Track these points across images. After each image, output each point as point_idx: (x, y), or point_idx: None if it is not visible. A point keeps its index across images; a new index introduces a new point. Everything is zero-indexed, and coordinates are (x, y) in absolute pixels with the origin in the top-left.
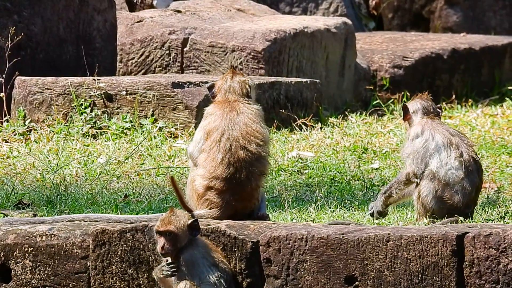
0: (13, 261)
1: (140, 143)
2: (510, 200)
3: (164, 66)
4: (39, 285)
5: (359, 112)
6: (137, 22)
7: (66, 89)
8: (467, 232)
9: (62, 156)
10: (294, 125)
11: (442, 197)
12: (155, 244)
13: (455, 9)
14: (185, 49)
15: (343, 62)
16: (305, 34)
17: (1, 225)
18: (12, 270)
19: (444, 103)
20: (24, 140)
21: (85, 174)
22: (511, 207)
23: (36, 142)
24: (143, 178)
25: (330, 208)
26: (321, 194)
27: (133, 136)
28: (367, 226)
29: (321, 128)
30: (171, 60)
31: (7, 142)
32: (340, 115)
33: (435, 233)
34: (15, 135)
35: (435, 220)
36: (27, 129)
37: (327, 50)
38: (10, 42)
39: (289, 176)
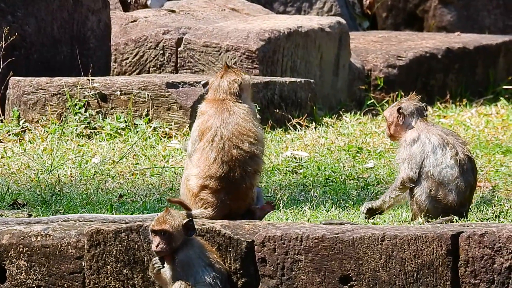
0: (8, 262)
1: (135, 143)
2: (504, 199)
3: (158, 66)
4: (34, 285)
5: (353, 112)
6: (131, 22)
7: (60, 89)
8: (462, 232)
9: (57, 156)
10: (288, 125)
11: (437, 196)
12: (150, 244)
13: (449, 9)
14: (179, 49)
15: (337, 61)
16: (299, 33)
17: None
18: (7, 271)
19: (438, 102)
20: (18, 141)
21: (79, 174)
22: (505, 206)
23: (31, 143)
24: (138, 178)
25: (325, 207)
26: (315, 194)
27: (128, 136)
28: (362, 225)
29: (315, 127)
30: (165, 60)
31: (2, 142)
32: (334, 115)
33: (430, 232)
34: (9, 135)
35: (430, 219)
36: (21, 130)
37: (321, 49)
38: (4, 42)
39: (283, 175)
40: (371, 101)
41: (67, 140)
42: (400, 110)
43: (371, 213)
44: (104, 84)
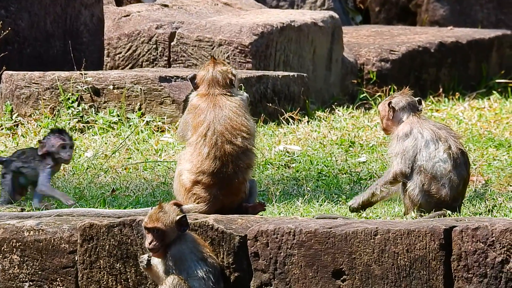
0: (0, 256)
1: (127, 137)
2: (497, 193)
3: (151, 60)
4: (26, 279)
5: (346, 106)
6: (124, 16)
7: (53, 83)
8: (455, 226)
9: None
10: (281, 119)
11: (429, 190)
12: (142, 238)
13: (442, 3)
14: (172, 43)
15: (330, 56)
16: (292, 28)
17: None
18: (0, 265)
19: (431, 96)
20: (11, 135)
21: (72, 168)
22: (498, 200)
23: (24, 137)
24: (131, 172)
25: (317, 202)
26: (308, 188)
27: (120, 130)
28: (354, 220)
29: (308, 122)
30: (158, 54)
31: None
32: (327, 109)
33: (423, 227)
34: (2, 129)
35: (422, 214)
36: (14, 124)
37: (314, 44)
38: None
39: (276, 170)
40: (364, 95)
41: None
42: (391, 105)
43: (362, 207)
44: (97, 78)
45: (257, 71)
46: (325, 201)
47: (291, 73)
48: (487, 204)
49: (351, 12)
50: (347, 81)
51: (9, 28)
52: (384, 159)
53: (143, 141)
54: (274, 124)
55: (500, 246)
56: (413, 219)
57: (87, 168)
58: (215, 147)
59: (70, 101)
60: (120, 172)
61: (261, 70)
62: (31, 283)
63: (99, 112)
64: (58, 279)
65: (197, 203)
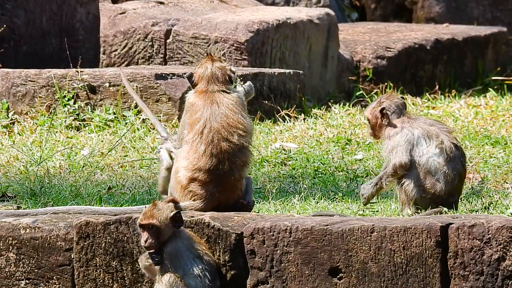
0: None
1: (123, 135)
2: (494, 190)
3: (147, 57)
4: (23, 277)
5: (342, 103)
6: (120, 13)
7: (49, 81)
8: (451, 223)
9: (46, 148)
10: (277, 116)
11: (424, 185)
12: (139, 236)
13: (437, 0)
14: (168, 41)
15: (326, 53)
16: (288, 25)
17: None
18: None
19: (427, 93)
20: (7, 133)
21: (68, 166)
22: (495, 197)
23: (20, 135)
24: (127, 170)
25: (314, 199)
26: (305, 186)
27: (117, 128)
28: (351, 217)
29: (304, 119)
30: (154, 51)
31: None
32: (323, 106)
33: (419, 224)
34: None
35: (419, 211)
36: (10, 122)
37: (310, 41)
38: None
39: (272, 167)
40: (360, 92)
41: (56, 132)
42: (384, 111)
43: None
44: (93, 76)
45: (253, 68)
46: (321, 199)
47: (287, 70)
48: (483, 201)
49: (347, 9)
50: (343, 78)
51: (5, 26)
52: (381, 156)
53: (139, 139)
54: (270, 122)
55: (496, 243)
56: (409, 216)
57: (83, 166)
58: (211, 145)
59: (66, 99)
60: (117, 170)
61: (257, 67)
62: (27, 281)
63: (95, 109)
64: (54, 277)
65: (193, 200)
